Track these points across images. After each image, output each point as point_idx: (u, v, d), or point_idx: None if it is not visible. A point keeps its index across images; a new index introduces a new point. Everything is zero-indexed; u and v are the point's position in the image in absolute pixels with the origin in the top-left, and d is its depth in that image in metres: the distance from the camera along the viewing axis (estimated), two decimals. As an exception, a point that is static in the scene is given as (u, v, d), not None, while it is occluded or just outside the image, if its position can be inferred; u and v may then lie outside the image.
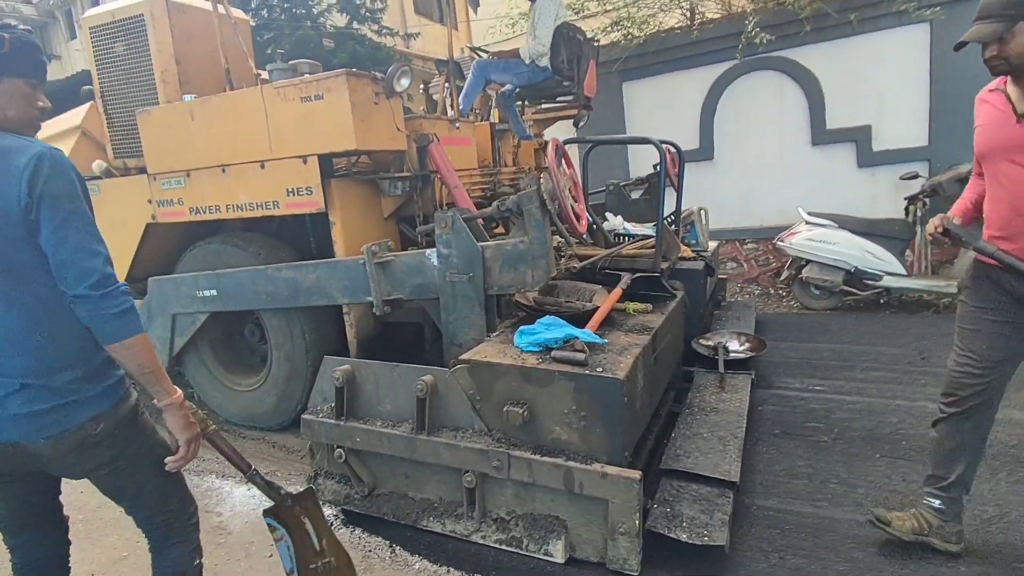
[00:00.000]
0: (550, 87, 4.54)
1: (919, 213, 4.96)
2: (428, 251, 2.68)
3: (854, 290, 5.02)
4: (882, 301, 5.08)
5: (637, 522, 2.01)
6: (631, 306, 2.79)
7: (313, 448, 2.66)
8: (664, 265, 3.25)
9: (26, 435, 1.34)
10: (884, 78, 5.43)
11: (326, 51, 7.45)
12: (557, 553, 2.14)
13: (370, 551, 2.34)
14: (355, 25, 8.23)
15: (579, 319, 2.52)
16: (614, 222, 4.13)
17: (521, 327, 2.41)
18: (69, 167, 1.33)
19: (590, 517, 2.13)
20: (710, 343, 3.56)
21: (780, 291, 5.89)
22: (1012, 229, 1.81)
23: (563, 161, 2.58)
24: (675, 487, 2.33)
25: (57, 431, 1.35)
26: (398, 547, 2.34)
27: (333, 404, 2.56)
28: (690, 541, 2.03)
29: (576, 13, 6.89)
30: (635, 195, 4.97)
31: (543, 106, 4.86)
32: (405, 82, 2.89)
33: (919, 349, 4.03)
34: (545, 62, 4.27)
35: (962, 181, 4.50)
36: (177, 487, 1.62)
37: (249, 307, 3.25)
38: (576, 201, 2.63)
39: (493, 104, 4.89)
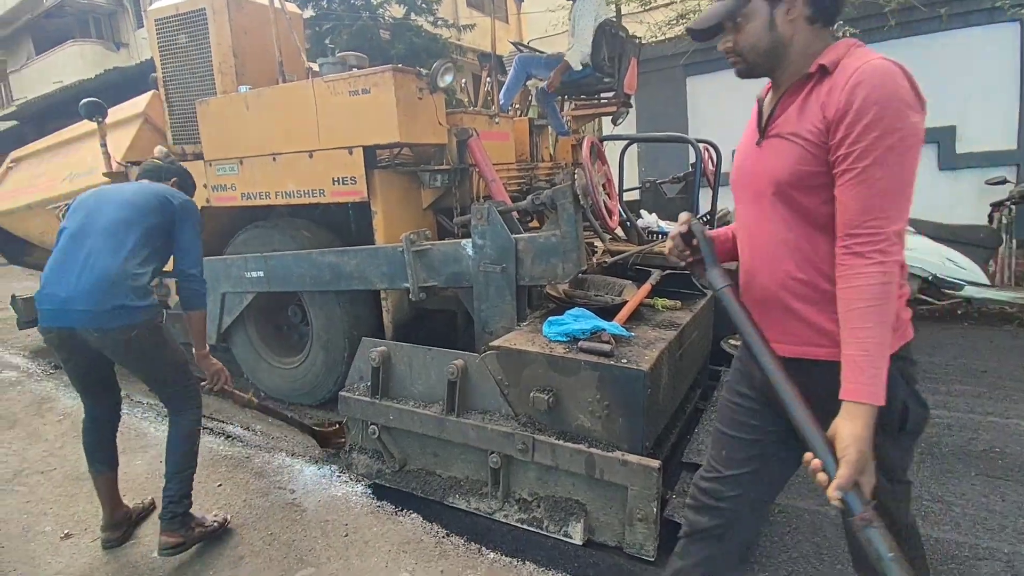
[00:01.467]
0: (591, 84, 4.57)
1: (1004, 220, 4.73)
2: (464, 241, 2.79)
3: (931, 299, 4.66)
4: (960, 312, 4.81)
5: (655, 509, 2.07)
6: (660, 302, 2.84)
7: (349, 424, 2.82)
8: (696, 263, 3.28)
9: (86, 323, 2.11)
10: (972, 77, 5.12)
11: (384, 42, 7.65)
12: (576, 535, 2.23)
13: (442, 537, 2.38)
14: (412, 16, 8.42)
15: (608, 312, 2.59)
16: (648, 219, 4.16)
17: (550, 317, 2.50)
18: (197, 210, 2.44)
19: (609, 502, 2.20)
20: (739, 343, 3.57)
21: None
22: (744, 285, 1.40)
23: (598, 158, 2.64)
24: (695, 480, 2.38)
25: (108, 327, 2.12)
26: (473, 539, 2.35)
27: (369, 383, 2.70)
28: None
29: (643, 6, 6.80)
30: (671, 193, 4.98)
31: (583, 102, 4.90)
32: (448, 78, 3.00)
33: (1006, 364, 3.83)
34: (587, 59, 4.31)
35: None
36: (186, 376, 2.40)
37: (293, 288, 3.43)
38: (609, 198, 2.68)
39: (533, 99, 4.96)
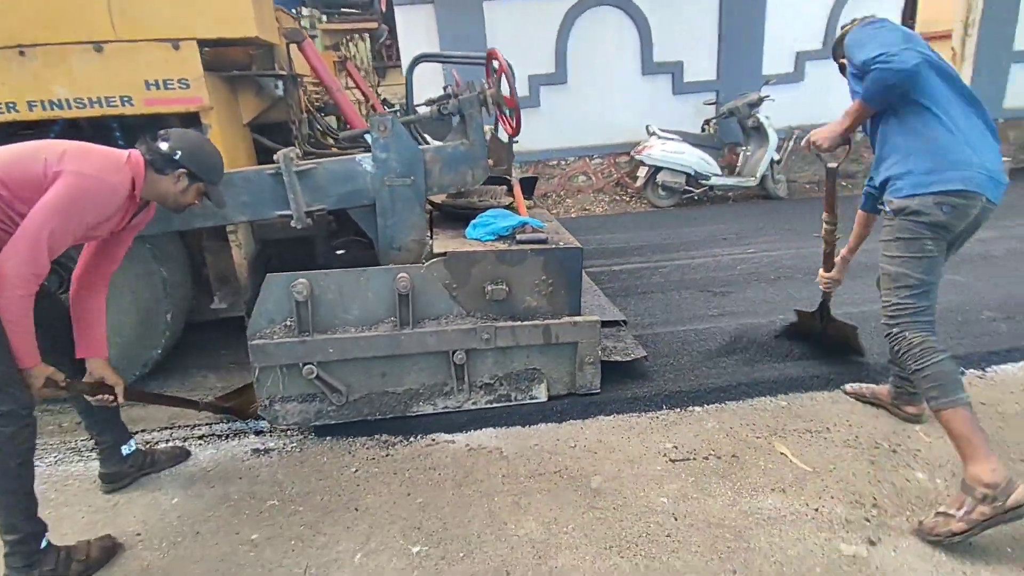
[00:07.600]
0: (344, -6, 4.36)
1: (712, 131, 6.89)
2: (358, 156, 2.61)
3: (691, 189, 6.65)
4: (695, 198, 6.84)
5: (599, 352, 2.68)
6: (526, 203, 3.30)
7: (261, 375, 2.43)
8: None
9: None
10: (693, 20, 6.99)
11: None
12: (541, 394, 2.67)
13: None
14: None
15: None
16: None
17: (473, 220, 2.70)
18: None
19: (560, 361, 2.69)
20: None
21: (623, 197, 7.34)
22: None
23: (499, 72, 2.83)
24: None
25: None
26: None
27: (290, 322, 2.39)
28: (623, 360, 2.82)
29: None
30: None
31: (338, 16, 4.60)
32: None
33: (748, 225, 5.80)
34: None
35: (751, 104, 6.38)
36: None
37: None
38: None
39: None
